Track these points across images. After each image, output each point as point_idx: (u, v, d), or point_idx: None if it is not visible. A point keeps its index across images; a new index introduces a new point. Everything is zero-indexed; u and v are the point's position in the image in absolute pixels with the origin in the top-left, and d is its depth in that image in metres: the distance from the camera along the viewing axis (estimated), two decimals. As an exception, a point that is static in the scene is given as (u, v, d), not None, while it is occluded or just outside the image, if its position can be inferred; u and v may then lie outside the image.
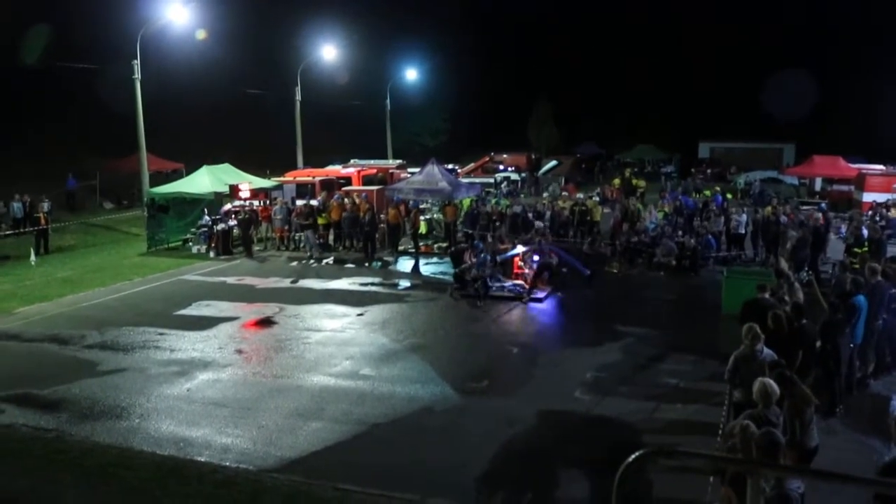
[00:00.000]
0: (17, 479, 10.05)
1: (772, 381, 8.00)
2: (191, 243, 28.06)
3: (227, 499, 9.32)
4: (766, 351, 9.62)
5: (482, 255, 19.73)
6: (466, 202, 28.61)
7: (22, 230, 29.45)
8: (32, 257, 26.09)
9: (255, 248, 28.26)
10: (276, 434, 11.41)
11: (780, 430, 7.38)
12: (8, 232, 29.47)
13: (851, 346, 12.09)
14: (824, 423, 10.17)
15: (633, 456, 2.85)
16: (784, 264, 16.62)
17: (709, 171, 56.56)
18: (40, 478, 10.06)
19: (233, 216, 29.17)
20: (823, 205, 32.66)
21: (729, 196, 32.72)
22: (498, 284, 20.10)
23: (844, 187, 37.87)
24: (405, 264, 25.25)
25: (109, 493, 9.53)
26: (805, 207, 32.23)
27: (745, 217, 24.89)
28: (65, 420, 12.13)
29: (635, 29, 74.82)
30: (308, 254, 26.36)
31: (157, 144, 37.30)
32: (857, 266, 15.79)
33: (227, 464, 10.43)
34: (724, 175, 53.87)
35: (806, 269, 20.14)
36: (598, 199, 32.18)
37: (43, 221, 28.51)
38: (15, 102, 41.06)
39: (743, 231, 24.34)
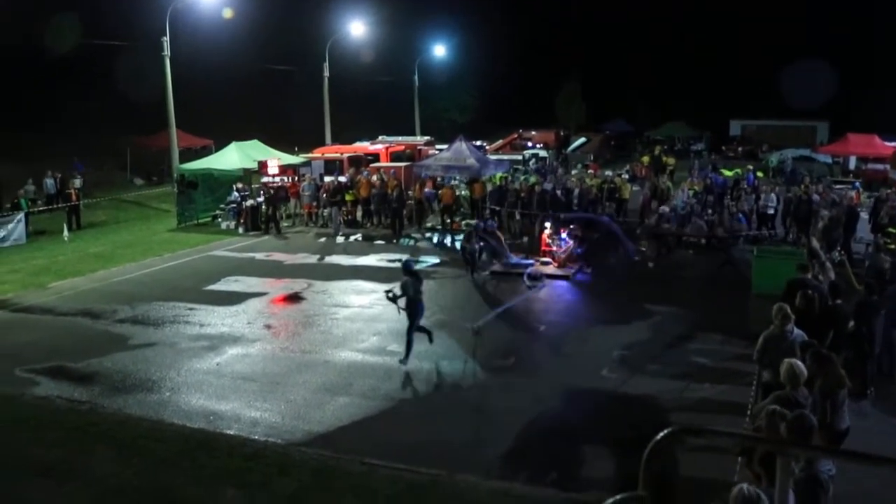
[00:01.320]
0: (53, 449, 10.25)
1: (799, 363, 7.91)
2: (220, 219, 28.27)
3: (255, 472, 9.44)
4: (797, 331, 9.50)
5: (479, 224, 20.05)
6: (498, 176, 28.48)
7: (55, 206, 29.82)
8: (65, 233, 26.45)
9: (284, 224, 28.44)
10: (304, 408, 11.53)
11: (809, 412, 7.30)
12: (42, 208, 29.86)
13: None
14: (855, 406, 10.05)
15: (661, 434, 2.83)
16: (816, 244, 16.43)
17: (740, 148, 55.72)
18: (74, 448, 10.26)
19: (261, 192, 29.38)
20: (857, 184, 32.14)
21: (760, 174, 32.24)
22: (514, 261, 20.16)
23: (879, 166, 37.14)
24: (433, 241, 25.29)
25: (141, 465, 9.69)
26: (838, 186, 31.70)
27: (774, 196, 24.56)
28: (98, 392, 12.34)
29: (667, 4, 73.65)
30: (333, 230, 26.47)
31: (186, 121, 37.50)
32: (892, 247, 15.56)
33: (256, 437, 10.56)
34: (756, 153, 53.07)
35: (838, 249, 19.85)
36: (627, 176, 31.91)
37: (74, 198, 28.86)
38: (46, 80, 41.46)
39: (773, 210, 24.02)
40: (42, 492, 9.12)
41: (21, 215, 25.95)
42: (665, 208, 22.31)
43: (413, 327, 13.25)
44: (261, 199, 27.87)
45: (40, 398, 12.16)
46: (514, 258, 20.68)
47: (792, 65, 57.44)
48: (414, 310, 13.22)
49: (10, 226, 25.26)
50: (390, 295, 13.40)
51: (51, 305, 17.68)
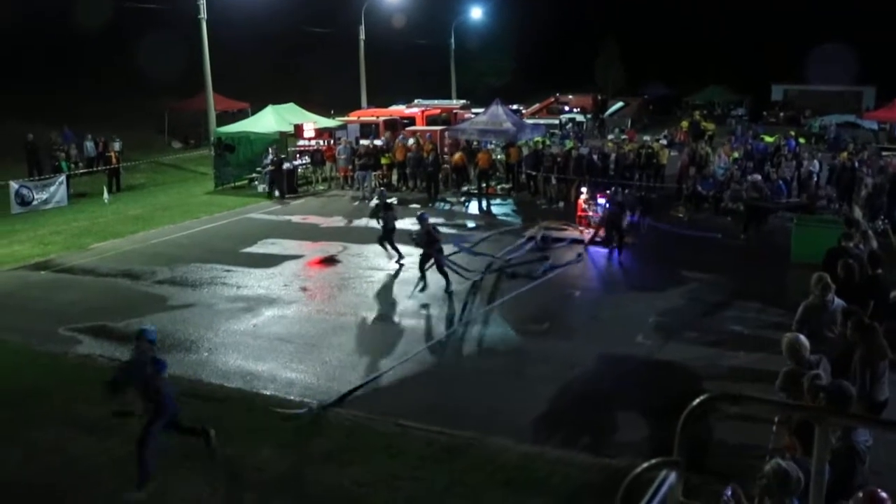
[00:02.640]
0: (95, 406, 10.49)
1: (801, 336, 7.69)
2: (256, 182, 28.47)
3: (291, 431, 9.60)
4: (837, 301, 9.32)
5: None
6: (538, 139, 28.24)
7: (95, 168, 30.20)
8: (105, 195, 26.84)
9: (320, 187, 28.56)
10: (339, 370, 11.66)
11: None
12: (83, 170, 30.26)
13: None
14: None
15: (697, 400, 2.81)
16: (858, 212, 16.09)
17: (781, 114, 54.56)
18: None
19: (298, 155, 29.52)
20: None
21: (802, 140, 31.57)
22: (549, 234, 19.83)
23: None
24: (468, 205, 25.23)
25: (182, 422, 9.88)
26: (885, 153, 30.92)
27: (817, 163, 24.04)
28: (138, 352, 12.57)
29: (709, -36, 71.91)
30: (360, 194, 26.49)
31: (222, 84, 37.64)
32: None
33: (292, 398, 10.71)
34: (798, 119, 51.93)
35: (882, 217, 19.44)
36: (665, 141, 31.45)
37: (114, 160, 29.22)
38: (84, 44, 41.72)
39: (815, 178, 23.53)
40: (87, 447, 9.36)
41: (62, 178, 26.35)
42: (756, 176, 21.44)
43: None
44: (299, 160, 27.97)
45: (83, 356, 12.45)
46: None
47: (838, 27, 55.88)
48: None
49: (53, 188, 25.68)
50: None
51: (92, 266, 18.00)
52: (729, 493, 5.23)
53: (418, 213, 16.35)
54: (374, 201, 17.00)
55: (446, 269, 15.50)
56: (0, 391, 11.11)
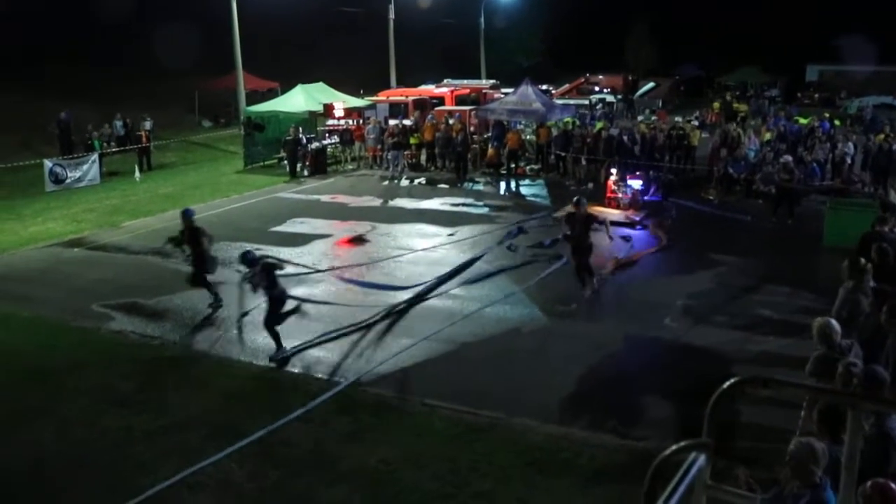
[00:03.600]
0: (127, 381, 10.67)
1: (832, 321, 7.57)
2: (285, 161, 28.55)
3: (320, 409, 9.67)
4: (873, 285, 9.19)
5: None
6: (568, 120, 28.02)
7: (125, 148, 30.46)
8: (137, 174, 27.14)
9: (349, 167, 28.62)
10: (366, 349, 11.71)
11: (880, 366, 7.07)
12: (115, 149, 30.57)
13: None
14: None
15: (727, 383, 2.78)
16: (894, 196, 15.80)
17: (816, 95, 53.63)
18: (147, 382, 10.66)
19: (327, 135, 29.56)
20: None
21: (837, 123, 31.00)
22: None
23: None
24: (497, 185, 25.16)
25: (209, 399, 10.02)
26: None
27: (852, 145, 23.61)
28: (169, 329, 12.74)
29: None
30: (390, 173, 26.48)
31: (252, 64, 37.75)
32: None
33: (320, 376, 10.79)
34: (833, 100, 51.02)
35: (919, 201, 19.06)
36: (696, 123, 31.07)
37: (145, 139, 29.47)
38: (115, 24, 41.97)
39: (849, 160, 23.11)
40: (119, 420, 9.51)
41: (95, 156, 26.66)
42: (788, 158, 20.74)
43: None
44: (327, 140, 28.01)
45: (115, 332, 12.63)
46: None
47: (876, 5, 54.61)
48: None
49: (86, 167, 25.99)
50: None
51: (124, 244, 18.22)
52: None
53: (244, 253, 11.80)
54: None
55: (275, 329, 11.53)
56: (35, 365, 11.29)
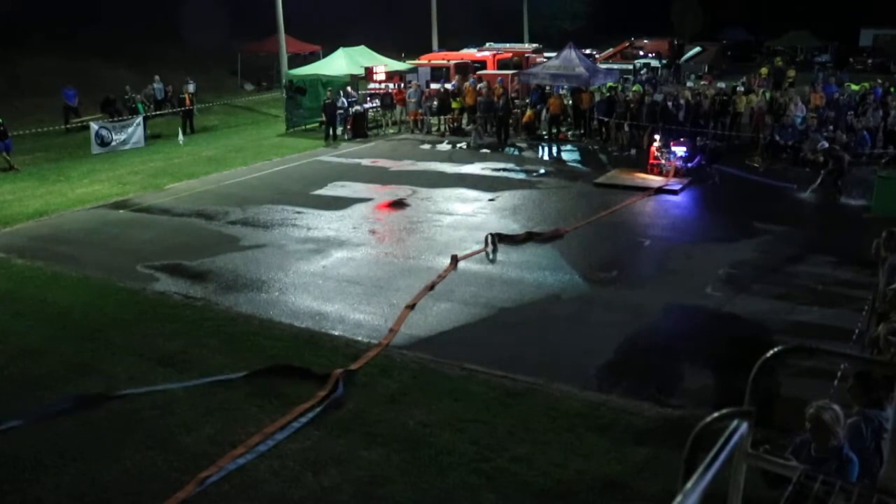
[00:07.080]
0: (171, 340, 10.87)
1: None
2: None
3: (358, 372, 9.76)
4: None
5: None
6: (611, 84, 27.60)
7: (167, 111, 30.68)
8: (180, 137, 27.41)
9: (390, 130, 28.59)
10: (410, 314, 11.75)
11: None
12: (158, 112, 30.86)
13: None
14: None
15: (771, 351, 2.73)
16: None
17: (869, 61, 51.94)
18: (191, 341, 10.84)
19: (368, 98, 29.52)
20: None
21: (892, 90, 30.06)
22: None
23: None
24: (539, 151, 24.96)
25: (252, 359, 10.16)
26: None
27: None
28: (211, 290, 12.92)
29: None
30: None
31: (295, 27, 37.70)
32: None
33: (360, 338, 10.88)
34: (888, 66, 49.39)
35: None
36: (742, 89, 30.38)
37: (188, 102, 29.71)
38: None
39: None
40: (165, 378, 9.71)
41: (140, 119, 26.96)
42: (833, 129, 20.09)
43: None
44: (369, 104, 27.95)
45: (159, 293, 12.84)
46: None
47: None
48: None
49: (130, 129, 26.30)
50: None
51: (168, 206, 18.47)
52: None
53: None
54: None
55: None
56: (83, 324, 11.55)
